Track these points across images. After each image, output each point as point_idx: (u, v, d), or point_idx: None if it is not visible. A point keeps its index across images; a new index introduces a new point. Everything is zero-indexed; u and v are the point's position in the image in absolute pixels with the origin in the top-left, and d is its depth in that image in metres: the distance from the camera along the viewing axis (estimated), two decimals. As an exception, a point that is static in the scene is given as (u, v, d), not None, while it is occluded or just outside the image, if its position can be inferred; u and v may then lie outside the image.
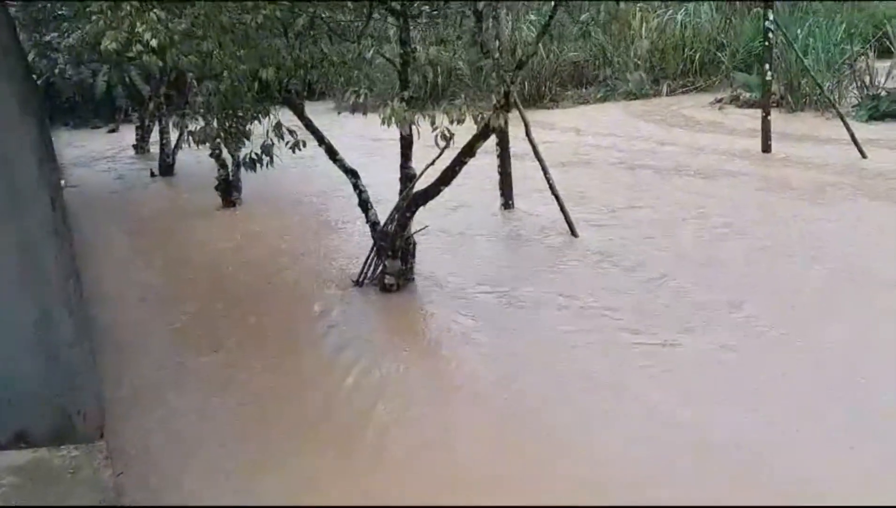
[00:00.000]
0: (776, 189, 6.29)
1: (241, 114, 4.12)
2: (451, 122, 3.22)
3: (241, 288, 4.85)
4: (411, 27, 4.17)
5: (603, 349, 3.55)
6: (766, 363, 3.25)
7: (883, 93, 9.41)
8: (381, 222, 4.61)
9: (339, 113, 10.63)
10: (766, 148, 7.67)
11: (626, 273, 4.52)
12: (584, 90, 13.97)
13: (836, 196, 5.89)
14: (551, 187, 5.52)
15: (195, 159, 8.17)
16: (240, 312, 4.37)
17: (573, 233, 5.35)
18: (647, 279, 4.37)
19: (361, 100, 3.42)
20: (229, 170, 6.87)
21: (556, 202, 5.48)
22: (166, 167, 9.22)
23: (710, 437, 2.73)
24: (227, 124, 4.13)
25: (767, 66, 7.64)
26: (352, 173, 4.77)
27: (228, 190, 7.01)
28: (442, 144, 3.34)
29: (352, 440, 2.86)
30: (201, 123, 4.32)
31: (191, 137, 4.22)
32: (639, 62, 13.24)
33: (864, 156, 6.98)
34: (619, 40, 13.38)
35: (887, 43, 11.69)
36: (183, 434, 2.97)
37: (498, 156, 6.21)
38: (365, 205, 4.75)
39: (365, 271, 4.70)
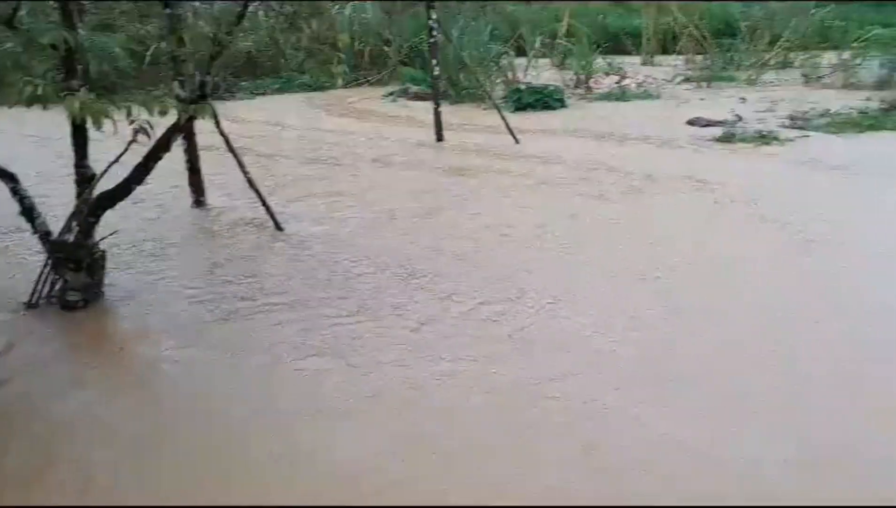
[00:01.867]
0: (454, 173, 6.96)
1: None
2: (152, 114, 2.93)
3: None
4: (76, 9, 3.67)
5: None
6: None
7: (523, 87, 10.98)
8: (58, 231, 4.03)
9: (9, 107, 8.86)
10: (440, 137, 8.44)
11: (337, 264, 4.62)
12: (258, 81, 13.78)
13: (495, 175, 6.74)
14: (250, 182, 5.36)
15: None
16: None
17: (278, 227, 5.29)
18: (359, 273, 4.52)
19: (40, 92, 2.90)
20: None
21: (256, 197, 5.35)
22: None
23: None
24: None
25: (435, 61, 8.35)
26: (8, 177, 4.06)
27: None
28: (142, 138, 3.02)
29: None
30: None
31: None
32: (341, 55, 13.48)
33: (517, 141, 8.07)
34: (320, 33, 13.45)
35: (522, 43, 13.67)
36: None
37: (185, 151, 5.83)
38: (30, 213, 4.08)
39: (39, 289, 4.06)
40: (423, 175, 6.93)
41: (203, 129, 5.54)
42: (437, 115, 8.45)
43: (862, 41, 11.85)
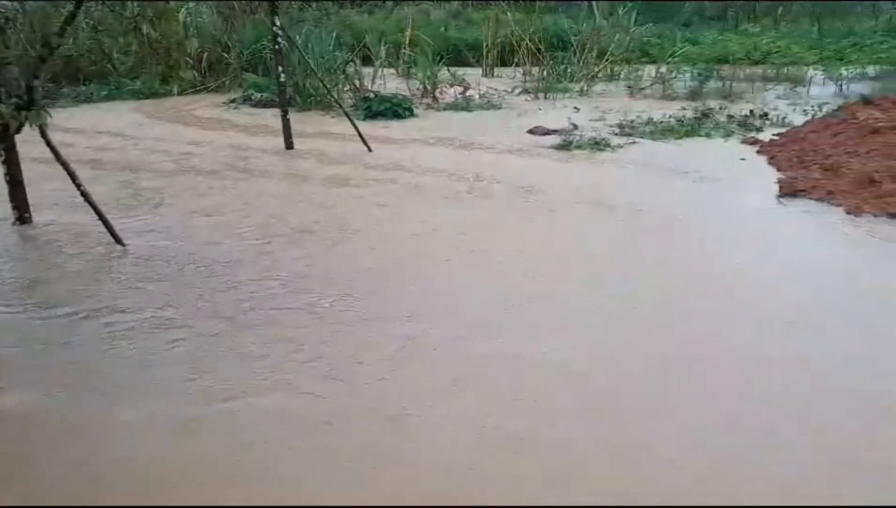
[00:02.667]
0: (308, 181, 6.83)
1: None
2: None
3: None
4: None
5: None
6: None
7: (372, 95, 11.02)
8: None
9: None
10: (290, 145, 8.25)
11: (183, 275, 4.38)
12: (82, 88, 12.75)
13: (352, 183, 6.71)
14: (84, 194, 4.93)
15: None
16: None
17: (118, 242, 4.91)
18: (208, 275, 4.32)
19: None
20: None
21: (93, 210, 4.93)
22: None
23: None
24: None
25: (280, 68, 8.16)
26: None
27: None
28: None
29: None
30: None
31: None
32: (189, 60, 12.77)
33: (369, 150, 8.09)
34: (168, 37, 12.64)
35: (367, 52, 13.72)
36: None
37: (3, 162, 5.25)
38: None
39: None
40: (273, 184, 6.74)
41: (27, 139, 5.03)
42: (286, 122, 8.26)
43: (676, 57, 13.13)
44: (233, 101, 12.02)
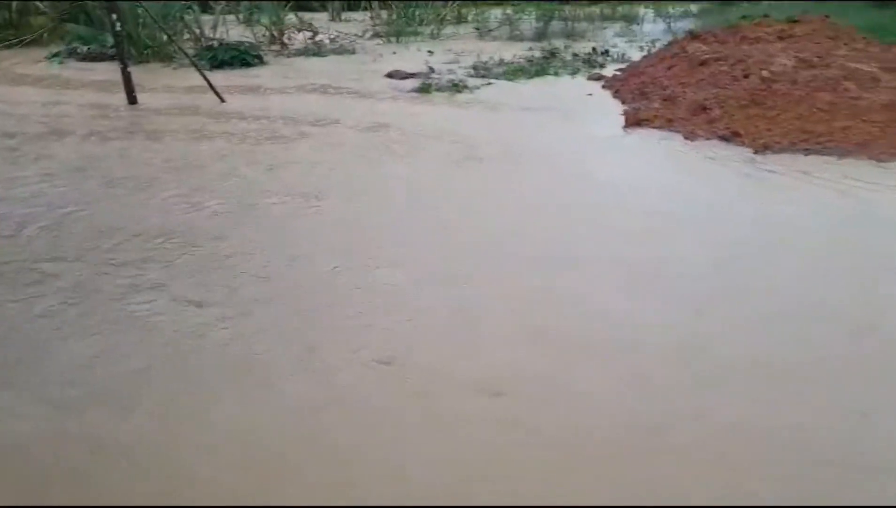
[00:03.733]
0: (160, 139, 6.43)
1: None
2: None
3: None
4: None
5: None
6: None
7: (216, 44, 10.43)
8: None
9: None
10: (133, 100, 7.69)
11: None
12: None
13: (210, 135, 6.42)
14: None
15: None
16: None
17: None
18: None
19: None
20: None
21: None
22: None
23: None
24: None
25: (115, 15, 7.51)
26: None
27: None
28: None
29: None
30: None
31: None
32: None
33: (223, 101, 7.72)
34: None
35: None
36: None
37: None
38: None
39: None
40: (127, 144, 6.28)
41: None
42: (127, 76, 7.67)
43: (518, -1, 13.50)
44: (55, 55, 10.93)
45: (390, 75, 9.13)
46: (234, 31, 12.23)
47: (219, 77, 8.74)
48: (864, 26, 8.93)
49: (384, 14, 13.61)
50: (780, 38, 7.60)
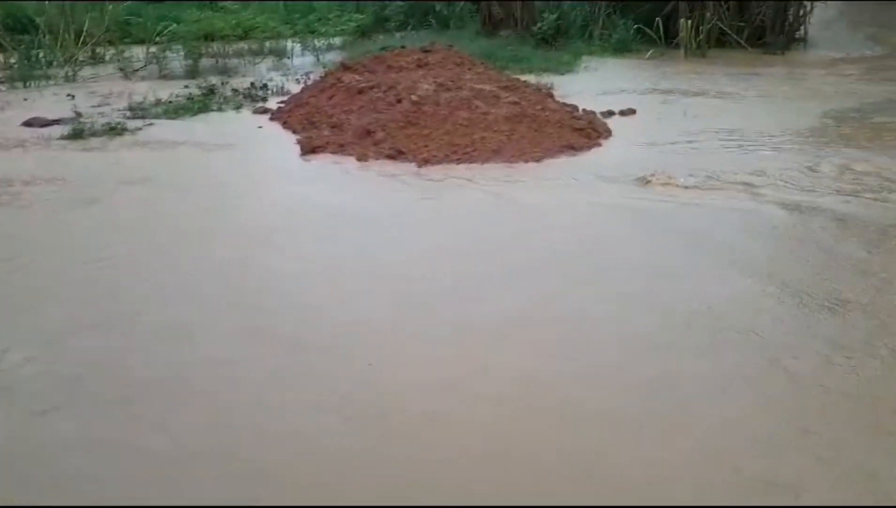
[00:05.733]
0: None
1: None
2: None
3: None
4: None
5: None
6: None
7: None
8: None
9: None
10: None
11: None
12: None
13: None
14: None
15: None
16: None
17: None
18: None
19: None
20: None
21: None
22: None
23: None
24: None
25: None
26: None
27: None
28: None
29: None
30: None
31: None
32: None
33: None
34: None
35: None
36: None
37: None
38: None
39: None
40: None
41: None
42: None
43: (163, 35, 13.00)
44: None
45: (29, 123, 8.14)
46: None
47: None
48: (480, 53, 10.67)
49: (0, 58, 11.95)
50: (419, 66, 8.66)
